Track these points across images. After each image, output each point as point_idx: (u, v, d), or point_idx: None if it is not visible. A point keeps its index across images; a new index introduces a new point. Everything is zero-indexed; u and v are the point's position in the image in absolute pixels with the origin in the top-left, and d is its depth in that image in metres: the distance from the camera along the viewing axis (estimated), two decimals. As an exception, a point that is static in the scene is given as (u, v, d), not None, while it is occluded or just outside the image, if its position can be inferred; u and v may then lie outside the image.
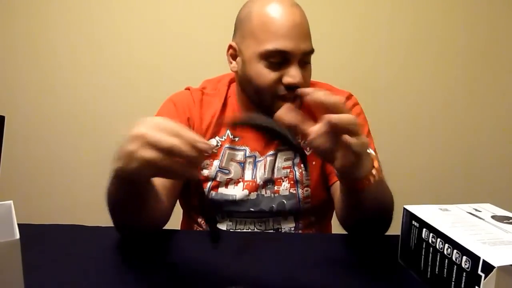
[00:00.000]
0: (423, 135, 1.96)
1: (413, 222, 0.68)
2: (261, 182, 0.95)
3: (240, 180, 0.95)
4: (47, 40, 1.82)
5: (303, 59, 0.85)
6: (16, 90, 1.86)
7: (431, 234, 0.63)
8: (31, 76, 1.85)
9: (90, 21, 1.82)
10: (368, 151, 0.66)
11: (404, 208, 0.71)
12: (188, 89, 1.01)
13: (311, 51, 0.86)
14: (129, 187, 0.64)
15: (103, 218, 0.85)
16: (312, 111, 0.97)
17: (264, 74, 0.84)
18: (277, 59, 0.83)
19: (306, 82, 0.87)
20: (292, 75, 0.83)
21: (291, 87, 0.83)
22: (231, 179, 0.95)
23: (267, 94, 0.86)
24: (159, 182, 0.85)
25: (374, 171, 0.67)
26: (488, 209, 0.70)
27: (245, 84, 0.90)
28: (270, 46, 0.82)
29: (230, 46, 0.91)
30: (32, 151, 1.90)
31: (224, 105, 0.97)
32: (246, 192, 0.95)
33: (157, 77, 1.83)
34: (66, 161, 1.91)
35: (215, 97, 0.98)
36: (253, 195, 0.95)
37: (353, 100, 1.01)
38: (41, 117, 1.88)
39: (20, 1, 1.79)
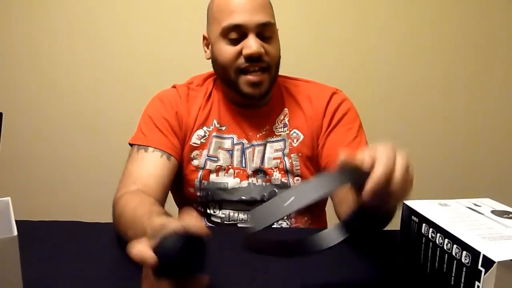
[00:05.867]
0: (422, 130, 1.95)
1: (413, 217, 0.68)
2: (251, 172, 0.97)
3: (230, 167, 0.97)
4: (46, 37, 1.81)
5: (262, 33, 0.90)
6: (14, 86, 1.85)
7: (430, 229, 0.62)
8: (30, 72, 1.84)
9: (89, 19, 1.81)
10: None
11: (404, 203, 0.71)
12: (174, 87, 1.04)
13: (267, 23, 0.89)
14: None
15: (101, 214, 0.85)
16: (297, 100, 0.98)
17: (226, 51, 0.90)
18: (235, 35, 0.89)
19: (271, 54, 0.91)
20: (249, 45, 0.88)
21: (252, 59, 0.88)
22: (220, 166, 0.97)
23: (231, 69, 0.91)
24: (152, 177, 0.87)
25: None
26: (488, 204, 0.70)
27: (214, 66, 0.96)
28: (226, 23, 0.88)
29: (204, 37, 0.99)
30: (30, 148, 1.89)
31: (209, 97, 1.00)
32: (237, 180, 0.96)
33: (157, 75, 1.82)
34: (64, 157, 1.91)
35: (200, 91, 1.01)
36: (245, 183, 0.96)
37: (341, 95, 1.01)
38: (39, 114, 1.87)
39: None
